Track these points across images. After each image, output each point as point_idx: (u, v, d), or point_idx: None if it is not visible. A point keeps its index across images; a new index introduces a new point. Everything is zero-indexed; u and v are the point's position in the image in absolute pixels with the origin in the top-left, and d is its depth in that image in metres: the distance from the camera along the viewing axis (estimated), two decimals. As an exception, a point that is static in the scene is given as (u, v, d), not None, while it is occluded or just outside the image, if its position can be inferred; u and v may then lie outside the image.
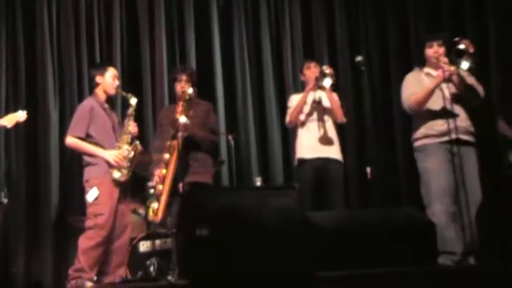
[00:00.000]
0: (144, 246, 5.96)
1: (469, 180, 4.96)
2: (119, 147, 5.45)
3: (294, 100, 6.16)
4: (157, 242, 5.90)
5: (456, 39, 5.12)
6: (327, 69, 5.88)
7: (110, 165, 5.36)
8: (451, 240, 4.85)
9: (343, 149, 6.86)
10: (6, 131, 6.38)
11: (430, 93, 5.14)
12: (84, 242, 5.26)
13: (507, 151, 6.34)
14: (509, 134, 6.35)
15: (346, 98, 7.47)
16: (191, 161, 5.49)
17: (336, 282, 3.64)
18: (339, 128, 6.23)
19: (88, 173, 5.43)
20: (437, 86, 5.13)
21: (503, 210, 5.96)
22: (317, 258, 3.63)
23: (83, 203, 5.96)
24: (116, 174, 5.36)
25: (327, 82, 5.84)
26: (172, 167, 5.40)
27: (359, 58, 5.54)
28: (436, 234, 4.28)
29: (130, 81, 7.17)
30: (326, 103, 6.07)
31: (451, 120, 5.01)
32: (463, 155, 5.03)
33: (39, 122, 6.80)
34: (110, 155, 5.37)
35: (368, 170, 5.99)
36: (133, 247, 5.90)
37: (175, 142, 5.38)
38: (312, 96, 6.06)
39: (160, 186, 5.40)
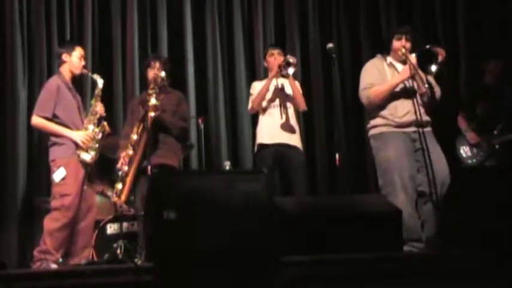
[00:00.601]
0: (111, 228, 5.96)
1: (434, 163, 4.91)
2: (86, 129, 5.41)
3: (256, 87, 6.16)
4: (125, 224, 5.89)
5: (428, 46, 5.10)
6: (291, 59, 5.90)
7: (78, 146, 5.32)
8: (415, 228, 4.90)
9: (313, 136, 6.90)
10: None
11: (394, 88, 5.14)
12: (50, 223, 5.23)
13: (459, 145, 6.45)
14: (466, 132, 6.43)
15: (316, 85, 7.53)
16: (159, 144, 5.47)
17: (301, 267, 3.67)
18: (309, 114, 6.26)
19: (54, 152, 5.38)
20: (402, 82, 5.14)
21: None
22: (284, 243, 3.65)
23: (50, 185, 5.92)
24: (84, 156, 5.32)
25: (290, 71, 5.86)
26: (140, 148, 5.37)
27: (330, 45, 5.56)
28: (401, 221, 4.32)
29: (100, 62, 7.12)
30: (288, 90, 6.07)
31: (411, 113, 5.03)
32: (423, 139, 4.95)
33: (8, 101, 6.72)
34: (78, 135, 5.33)
35: (337, 156, 6.03)
36: (101, 229, 5.89)
37: (144, 124, 5.35)
38: (274, 82, 6.06)
39: (125, 168, 5.38)
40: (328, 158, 7.32)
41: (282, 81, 6.08)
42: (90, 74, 5.74)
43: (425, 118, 5.15)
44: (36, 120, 5.40)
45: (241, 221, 3.47)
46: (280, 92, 6.06)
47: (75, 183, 5.28)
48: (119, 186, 5.38)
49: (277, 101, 6.05)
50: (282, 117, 5.98)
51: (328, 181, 7.35)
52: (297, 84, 6.14)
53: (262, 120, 6.08)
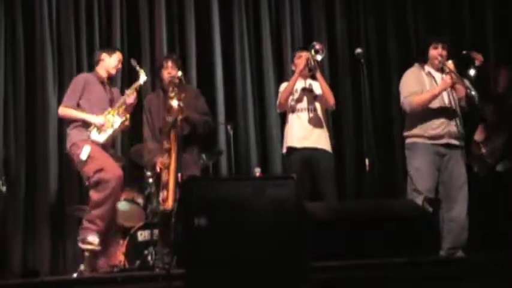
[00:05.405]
0: (142, 235, 5.98)
1: (456, 180, 5.22)
2: (108, 112, 5.44)
3: (284, 87, 6.10)
4: (155, 231, 5.91)
5: (465, 51, 5.37)
6: (317, 45, 5.86)
7: (90, 125, 5.37)
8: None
9: (342, 141, 6.86)
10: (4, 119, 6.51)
11: (434, 98, 5.26)
12: (94, 194, 5.27)
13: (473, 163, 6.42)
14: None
15: (344, 89, 7.50)
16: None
17: (332, 272, 3.67)
18: (338, 119, 6.22)
19: (72, 136, 5.42)
20: (443, 91, 5.26)
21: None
22: (313, 248, 3.64)
23: (81, 192, 5.96)
24: (94, 134, 5.35)
25: (319, 57, 5.83)
26: (174, 154, 5.31)
27: (358, 50, 5.56)
28: (433, 226, 4.31)
29: (129, 68, 7.15)
30: (317, 91, 6.01)
31: (445, 124, 5.24)
32: (451, 157, 5.24)
33: (38, 110, 6.79)
34: (97, 119, 5.39)
35: (366, 161, 6.00)
36: (132, 236, 5.92)
37: (173, 129, 5.30)
38: (302, 84, 6.01)
39: (164, 174, 5.28)
40: (357, 163, 7.29)
41: (310, 81, 6.03)
42: (138, 67, 5.76)
43: (459, 128, 5.31)
44: (61, 110, 5.51)
45: (271, 227, 3.47)
46: (308, 92, 5.99)
47: (104, 156, 5.33)
48: (164, 193, 5.27)
49: (305, 102, 5.96)
50: (309, 121, 5.92)
51: (357, 186, 7.32)
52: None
53: (292, 122, 5.99)
